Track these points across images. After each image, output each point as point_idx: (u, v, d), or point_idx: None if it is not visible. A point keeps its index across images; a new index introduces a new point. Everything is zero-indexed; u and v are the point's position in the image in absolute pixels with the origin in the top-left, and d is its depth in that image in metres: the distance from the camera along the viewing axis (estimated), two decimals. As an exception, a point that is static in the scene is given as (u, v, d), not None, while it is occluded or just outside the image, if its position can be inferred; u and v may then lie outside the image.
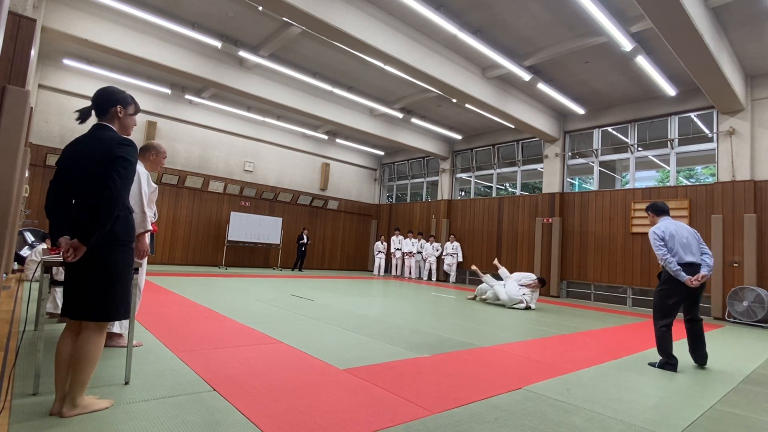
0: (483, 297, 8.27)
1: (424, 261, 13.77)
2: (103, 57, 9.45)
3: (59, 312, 3.58)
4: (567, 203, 11.12)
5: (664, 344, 3.80)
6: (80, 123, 2.17)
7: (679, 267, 3.75)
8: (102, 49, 7.87)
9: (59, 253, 2.04)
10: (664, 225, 3.99)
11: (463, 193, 14.61)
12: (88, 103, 2.20)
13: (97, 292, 2.04)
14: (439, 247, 13.63)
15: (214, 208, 12.78)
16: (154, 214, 3.46)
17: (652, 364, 3.87)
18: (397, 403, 2.43)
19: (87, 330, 2.05)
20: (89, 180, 2.00)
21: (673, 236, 3.89)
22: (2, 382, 2.28)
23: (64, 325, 2.54)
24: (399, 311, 6.22)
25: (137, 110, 2.30)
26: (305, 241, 13.77)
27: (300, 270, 13.70)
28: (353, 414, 2.23)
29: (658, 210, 4.13)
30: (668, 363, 3.77)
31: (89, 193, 1.98)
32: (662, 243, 3.86)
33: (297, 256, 13.85)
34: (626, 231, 9.86)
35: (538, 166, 12.18)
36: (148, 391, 2.37)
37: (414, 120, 12.14)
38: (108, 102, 2.16)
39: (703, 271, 3.77)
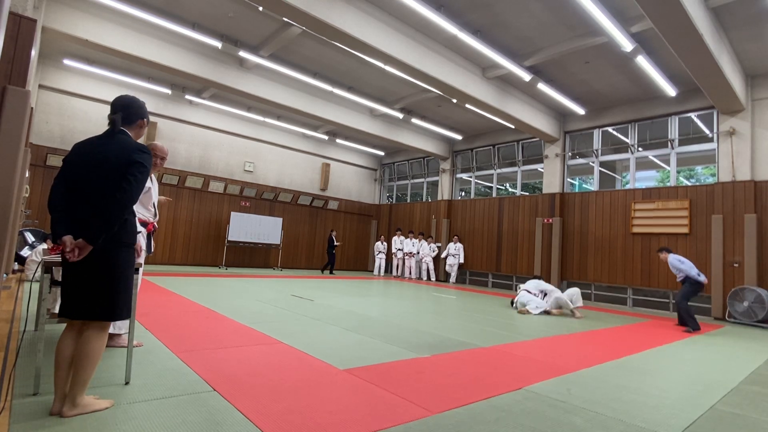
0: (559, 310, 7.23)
1: (421, 261, 13.76)
2: (103, 57, 9.45)
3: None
4: (567, 203, 11.11)
5: (691, 312, 6.46)
6: (110, 132, 2.16)
7: (696, 274, 6.51)
8: (102, 49, 7.88)
9: (60, 253, 2.03)
10: (677, 255, 6.81)
11: (463, 194, 14.60)
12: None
13: (102, 292, 2.05)
14: (436, 248, 13.61)
15: (214, 208, 12.78)
16: (155, 214, 3.46)
17: (687, 330, 6.26)
18: (397, 403, 2.43)
19: (90, 329, 2.05)
20: (103, 181, 2.01)
21: (686, 260, 6.68)
22: (2, 382, 2.28)
23: (64, 325, 2.54)
24: (399, 311, 6.22)
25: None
26: (335, 243, 13.92)
27: (322, 272, 13.77)
28: (353, 414, 2.23)
29: (668, 250, 6.89)
30: (695, 323, 6.34)
31: (101, 194, 1.99)
32: (683, 264, 6.59)
33: (329, 258, 13.88)
34: (626, 231, 9.86)
35: (538, 166, 12.18)
36: (148, 391, 2.37)
37: (414, 120, 12.13)
38: (137, 114, 2.31)
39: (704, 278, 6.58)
